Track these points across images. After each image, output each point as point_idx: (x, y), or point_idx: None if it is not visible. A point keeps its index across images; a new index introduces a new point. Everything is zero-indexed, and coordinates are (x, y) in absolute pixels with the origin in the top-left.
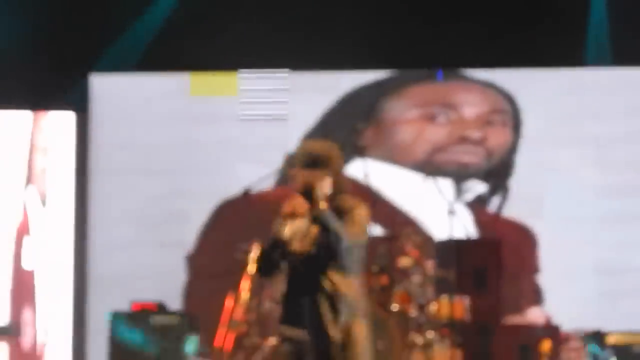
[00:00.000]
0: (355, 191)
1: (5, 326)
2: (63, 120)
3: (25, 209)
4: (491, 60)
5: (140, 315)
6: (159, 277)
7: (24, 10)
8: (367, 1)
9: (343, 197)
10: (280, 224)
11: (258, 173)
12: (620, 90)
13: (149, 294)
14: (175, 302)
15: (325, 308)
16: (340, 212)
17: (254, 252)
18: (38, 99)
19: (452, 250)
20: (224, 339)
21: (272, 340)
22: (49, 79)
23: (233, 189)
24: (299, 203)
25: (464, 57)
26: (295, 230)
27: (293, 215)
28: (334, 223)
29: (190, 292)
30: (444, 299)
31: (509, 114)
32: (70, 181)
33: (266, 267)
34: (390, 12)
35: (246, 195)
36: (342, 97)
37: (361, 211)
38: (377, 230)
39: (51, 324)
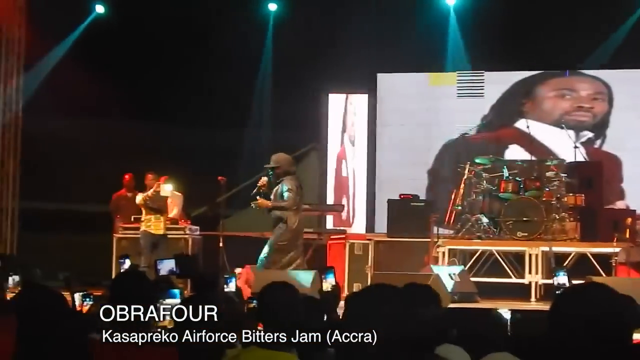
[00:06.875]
0: (519, 137)
1: (333, 205)
2: (362, 99)
3: (342, 145)
4: (596, 63)
5: (404, 201)
6: (413, 182)
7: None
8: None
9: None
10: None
11: (467, 125)
12: None
13: (409, 190)
14: (422, 195)
15: None
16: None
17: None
18: (348, 87)
19: (575, 167)
20: (450, 215)
21: (479, 218)
22: (353, 76)
23: (453, 135)
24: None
25: (580, 62)
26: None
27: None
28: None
29: (431, 189)
30: (571, 194)
31: (607, 94)
32: (366, 131)
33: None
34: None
35: (463, 137)
36: (512, 85)
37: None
38: (529, 156)
39: (357, 205)
